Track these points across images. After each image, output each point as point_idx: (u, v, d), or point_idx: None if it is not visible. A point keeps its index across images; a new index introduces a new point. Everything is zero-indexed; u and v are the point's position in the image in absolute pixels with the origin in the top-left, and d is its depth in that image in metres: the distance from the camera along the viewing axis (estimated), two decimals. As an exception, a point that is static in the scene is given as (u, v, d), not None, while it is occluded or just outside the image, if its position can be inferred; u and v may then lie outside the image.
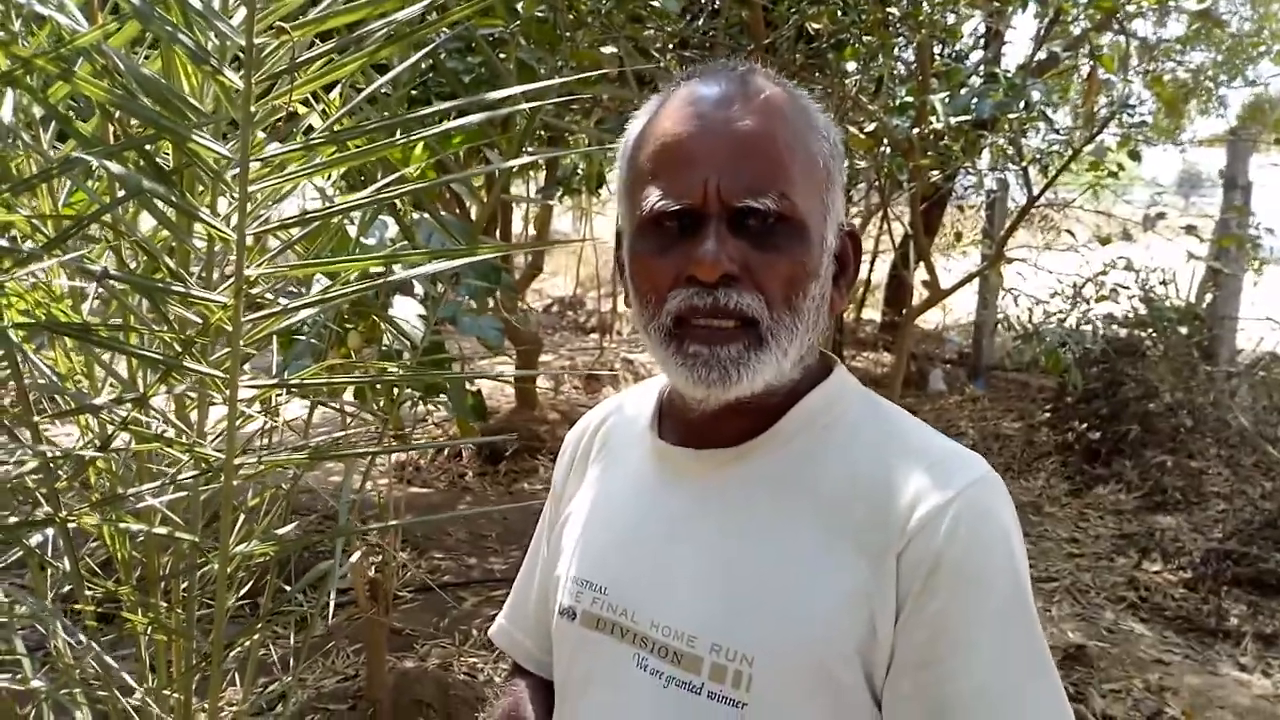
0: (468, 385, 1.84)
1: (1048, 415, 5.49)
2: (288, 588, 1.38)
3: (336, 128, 0.96)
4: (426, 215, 1.65)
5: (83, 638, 1.14)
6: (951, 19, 3.46)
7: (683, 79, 0.78)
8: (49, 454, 1.09)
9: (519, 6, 1.98)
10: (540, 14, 2.09)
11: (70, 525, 1.11)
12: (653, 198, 0.72)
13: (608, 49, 2.62)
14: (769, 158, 0.71)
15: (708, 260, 0.69)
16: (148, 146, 0.92)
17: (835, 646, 0.69)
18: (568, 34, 2.20)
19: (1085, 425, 5.03)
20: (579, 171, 5.20)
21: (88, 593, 1.22)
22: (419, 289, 1.62)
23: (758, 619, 0.72)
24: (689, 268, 0.71)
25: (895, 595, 0.69)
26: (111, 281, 0.92)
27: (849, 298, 0.82)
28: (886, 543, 0.70)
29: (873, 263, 8.60)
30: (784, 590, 0.72)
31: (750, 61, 0.82)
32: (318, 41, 0.88)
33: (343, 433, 1.44)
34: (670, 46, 3.29)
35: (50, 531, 1.17)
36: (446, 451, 4.89)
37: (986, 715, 0.67)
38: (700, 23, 3.50)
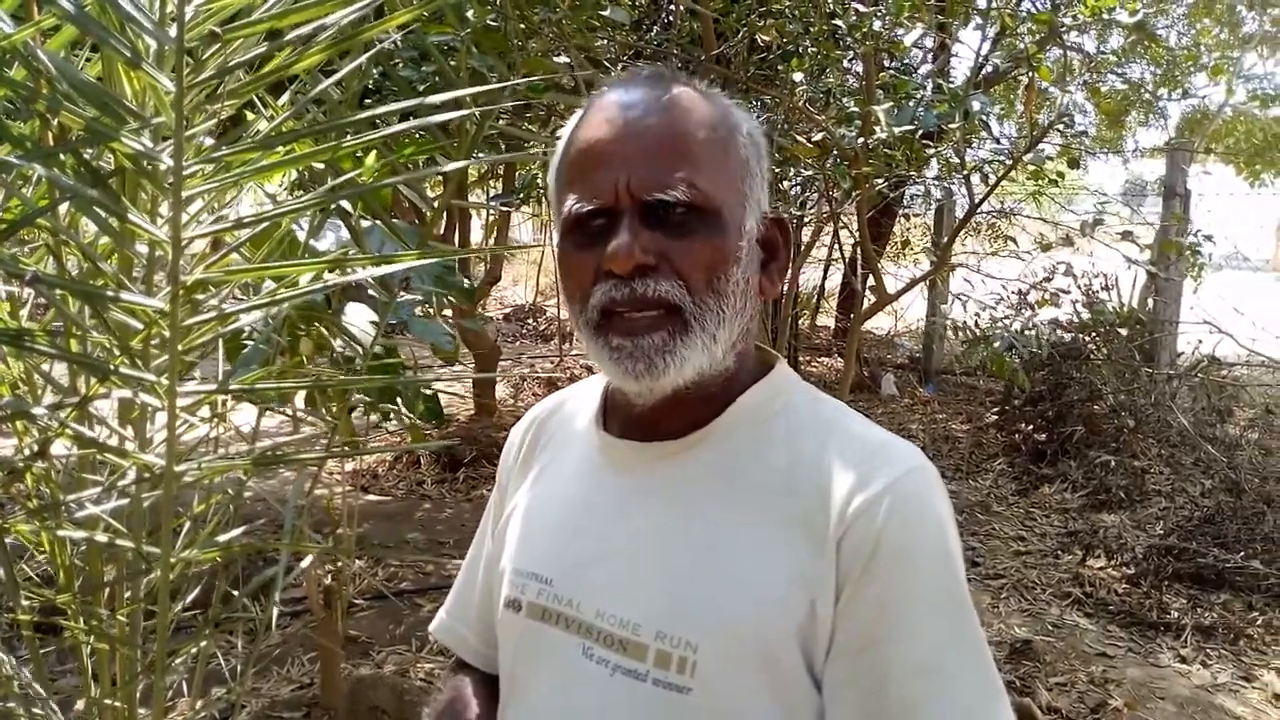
0: (423, 389, 1.84)
1: (995, 417, 5.62)
2: (235, 594, 1.37)
3: (280, 131, 0.96)
4: (378, 221, 1.65)
5: (23, 651, 1.12)
6: (899, 32, 3.54)
7: (603, 89, 0.81)
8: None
9: (470, 14, 1.99)
10: (491, 22, 2.10)
11: (7, 534, 1.10)
12: (570, 200, 0.76)
13: (561, 59, 2.64)
14: (677, 151, 0.75)
15: (621, 253, 0.72)
16: (88, 150, 0.92)
17: (776, 629, 0.71)
18: (519, 43, 2.22)
19: (1031, 427, 5.16)
20: (538, 180, 5.21)
21: (26, 602, 1.20)
22: (371, 292, 1.62)
23: (701, 605, 0.73)
24: (605, 261, 0.73)
25: (835, 579, 0.71)
26: (45, 285, 0.91)
27: (780, 283, 0.85)
28: (826, 528, 0.72)
29: (826, 270, 8.72)
30: (726, 577, 0.73)
31: (665, 67, 0.85)
32: (265, 45, 0.89)
33: (289, 438, 1.44)
34: (623, 57, 3.33)
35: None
36: (404, 459, 4.85)
37: (923, 692, 0.70)
38: (653, 34, 3.54)
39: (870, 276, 3.39)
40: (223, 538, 1.18)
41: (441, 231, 4.94)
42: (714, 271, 0.75)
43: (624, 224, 0.73)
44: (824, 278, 8.94)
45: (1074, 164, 3.44)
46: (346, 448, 1.67)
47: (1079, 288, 5.35)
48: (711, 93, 0.82)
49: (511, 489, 0.95)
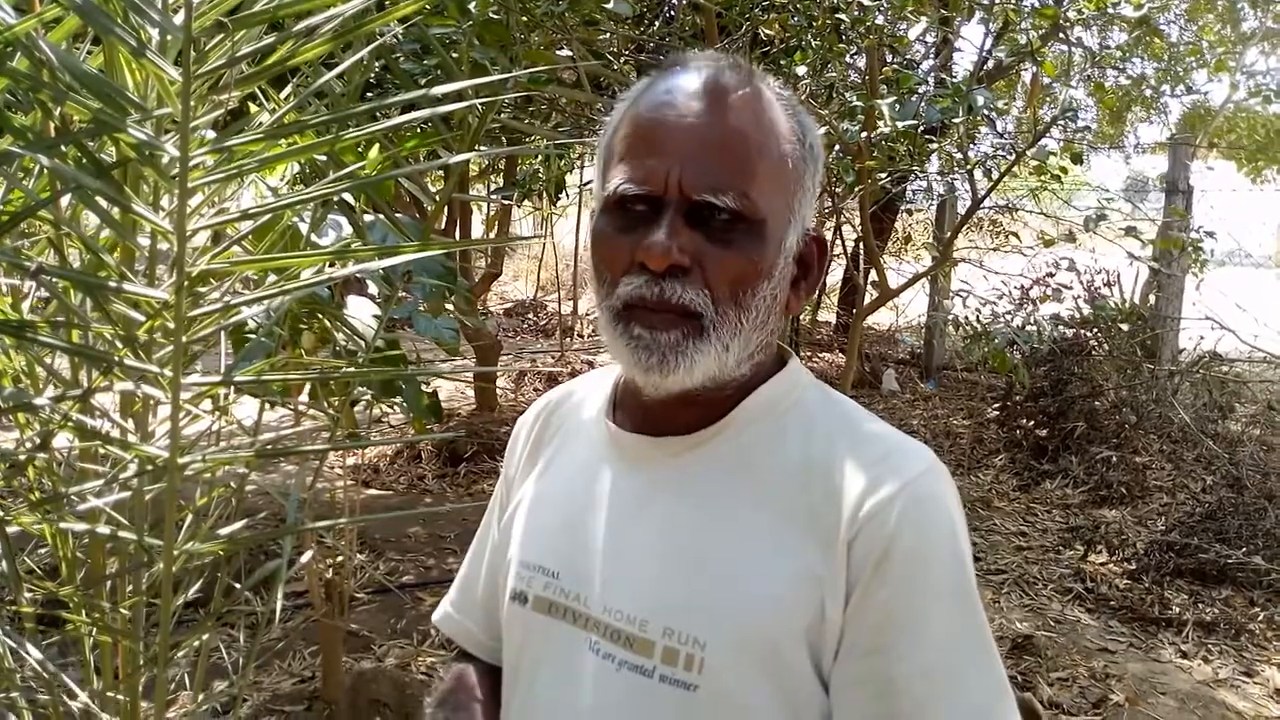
0: (424, 386, 1.84)
1: (997, 413, 5.61)
2: (237, 587, 1.37)
3: (283, 123, 0.96)
4: (380, 216, 1.65)
5: (28, 643, 1.12)
6: (902, 26, 3.53)
7: (669, 65, 0.79)
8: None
9: (471, 7, 1.99)
10: (493, 15, 2.10)
11: (9, 526, 1.09)
12: (617, 179, 0.74)
13: (563, 52, 2.64)
14: (735, 155, 0.72)
15: (657, 250, 0.71)
16: (90, 142, 0.92)
17: (785, 628, 0.71)
18: (521, 36, 2.21)
19: (1033, 423, 5.15)
20: (539, 175, 5.20)
21: (29, 594, 1.20)
22: (373, 288, 1.62)
23: (709, 602, 0.73)
24: (640, 254, 0.72)
25: (845, 581, 0.71)
26: (49, 277, 0.91)
27: (806, 300, 0.83)
28: (837, 529, 0.72)
29: (828, 266, 8.71)
30: (735, 573, 0.73)
31: (737, 56, 0.83)
32: (268, 37, 0.89)
33: (290, 431, 1.43)
34: (625, 51, 3.32)
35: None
36: (405, 453, 4.85)
37: (932, 694, 0.70)
38: (655, 28, 3.54)
39: (872, 271, 3.38)
40: (225, 531, 1.18)
41: (443, 226, 4.93)
42: (742, 285, 0.73)
43: (666, 218, 0.71)
44: (825, 273, 8.92)
45: (1077, 159, 3.44)
46: (349, 441, 1.67)
47: (1081, 283, 5.35)
48: (784, 94, 0.79)
49: (518, 480, 0.94)
